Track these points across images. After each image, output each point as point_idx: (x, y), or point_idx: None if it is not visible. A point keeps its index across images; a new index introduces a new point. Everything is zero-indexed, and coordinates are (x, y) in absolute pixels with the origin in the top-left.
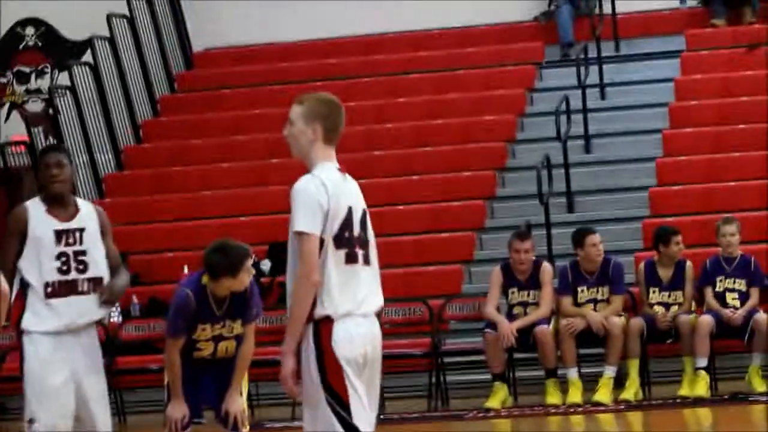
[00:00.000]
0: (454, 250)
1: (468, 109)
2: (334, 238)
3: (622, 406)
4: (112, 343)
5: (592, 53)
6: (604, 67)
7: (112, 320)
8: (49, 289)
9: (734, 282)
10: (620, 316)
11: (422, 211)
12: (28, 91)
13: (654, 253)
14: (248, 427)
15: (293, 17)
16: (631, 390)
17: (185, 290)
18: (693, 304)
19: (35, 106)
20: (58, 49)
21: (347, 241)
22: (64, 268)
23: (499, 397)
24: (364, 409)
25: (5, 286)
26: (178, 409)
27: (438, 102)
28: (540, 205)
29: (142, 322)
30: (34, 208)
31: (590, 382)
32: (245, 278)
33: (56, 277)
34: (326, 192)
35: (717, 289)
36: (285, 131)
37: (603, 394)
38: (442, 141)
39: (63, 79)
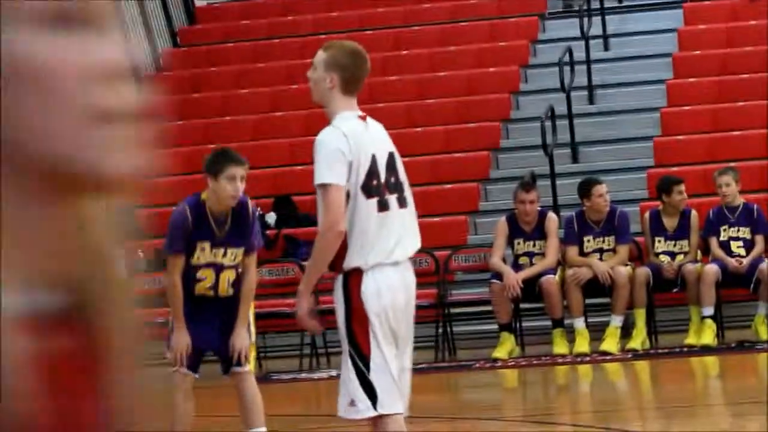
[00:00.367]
0: (459, 201)
1: (472, 61)
2: (362, 187)
3: (629, 355)
4: None
5: (595, 4)
6: (607, 17)
7: None
8: None
9: (738, 230)
10: (626, 265)
11: (427, 163)
12: None
13: (659, 203)
14: (252, 364)
15: None
16: (638, 339)
17: (182, 204)
18: (699, 253)
19: None
20: None
21: (376, 188)
22: None
23: (506, 347)
24: (385, 364)
25: None
26: (183, 339)
27: (441, 54)
28: (544, 155)
29: (149, 276)
30: None
31: (596, 332)
32: (239, 178)
33: None
34: (348, 142)
35: (722, 238)
36: (308, 74)
37: (610, 343)
38: (446, 93)
39: None
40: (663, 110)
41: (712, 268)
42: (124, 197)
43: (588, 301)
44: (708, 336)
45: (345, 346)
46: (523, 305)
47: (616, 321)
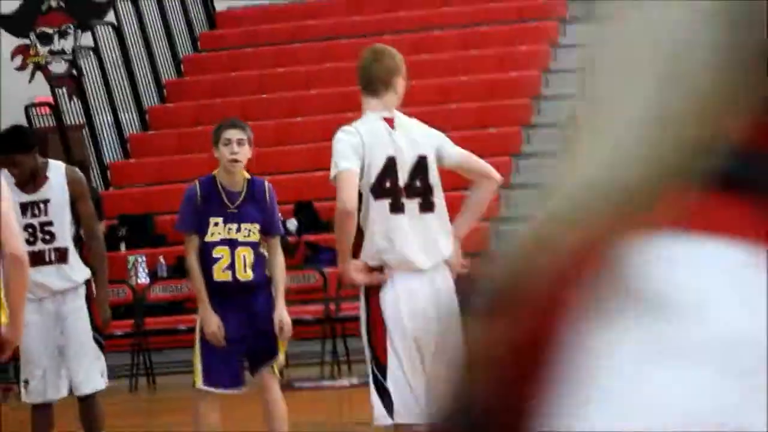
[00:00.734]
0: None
1: (492, 65)
2: (371, 188)
3: None
4: (140, 304)
5: None
6: None
7: (139, 281)
8: None
9: None
10: None
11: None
12: (51, 52)
13: None
14: (284, 354)
15: None
16: None
17: (194, 181)
18: None
19: (59, 67)
20: (81, 10)
21: (388, 190)
22: (31, 239)
23: None
24: (402, 373)
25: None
26: (212, 319)
27: (462, 59)
28: None
29: (170, 282)
30: (6, 178)
31: None
32: (234, 141)
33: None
34: (360, 139)
35: None
36: None
37: None
38: (466, 98)
39: (86, 39)
40: None
41: None
42: None
43: None
44: None
45: (367, 352)
46: None
47: None
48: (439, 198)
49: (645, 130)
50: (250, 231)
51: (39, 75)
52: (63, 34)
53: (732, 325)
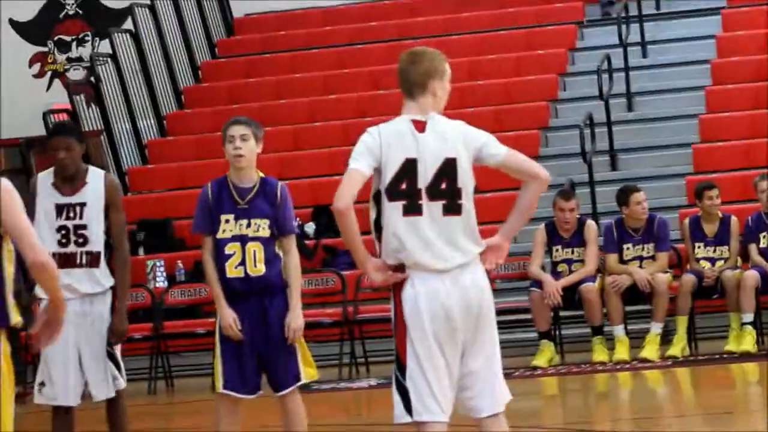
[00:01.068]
0: (498, 209)
1: (510, 69)
2: (386, 189)
3: (669, 363)
4: (158, 308)
5: (633, 11)
6: (645, 24)
7: (157, 285)
8: None
9: None
10: (666, 272)
11: None
12: (69, 60)
13: (698, 209)
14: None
15: None
16: (678, 346)
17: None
18: (738, 259)
19: (77, 74)
20: (99, 17)
21: (404, 192)
22: (64, 240)
23: (545, 355)
24: (420, 371)
25: (52, 263)
26: (228, 314)
27: (480, 62)
28: (583, 163)
29: (188, 286)
30: (43, 180)
31: (636, 340)
32: (237, 137)
33: (55, 248)
34: (379, 139)
35: (761, 245)
36: None
37: (649, 350)
38: (484, 101)
39: (104, 47)
40: (701, 117)
41: (751, 275)
42: None
43: (627, 308)
44: (748, 342)
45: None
46: (562, 313)
47: (656, 328)
48: (467, 200)
49: None
50: (260, 226)
51: (57, 82)
52: (81, 42)
53: None
